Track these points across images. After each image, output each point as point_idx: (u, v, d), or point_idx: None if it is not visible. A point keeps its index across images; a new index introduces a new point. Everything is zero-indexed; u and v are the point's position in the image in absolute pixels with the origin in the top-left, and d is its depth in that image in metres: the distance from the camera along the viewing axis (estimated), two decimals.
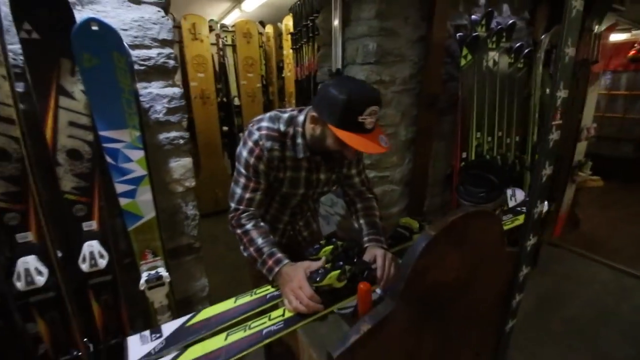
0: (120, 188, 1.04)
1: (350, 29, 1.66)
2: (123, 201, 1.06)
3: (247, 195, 0.99)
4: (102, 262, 1.03)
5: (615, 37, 3.98)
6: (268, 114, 1.00)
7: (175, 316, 1.24)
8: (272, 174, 1.03)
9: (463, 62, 1.70)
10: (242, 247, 1.01)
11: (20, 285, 0.92)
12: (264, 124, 0.97)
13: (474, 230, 0.79)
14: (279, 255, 0.96)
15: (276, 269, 0.94)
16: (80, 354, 1.07)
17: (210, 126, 3.28)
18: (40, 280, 0.94)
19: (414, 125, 1.79)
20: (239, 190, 1.00)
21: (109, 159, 1.00)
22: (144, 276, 1.10)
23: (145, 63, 1.07)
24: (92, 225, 1.03)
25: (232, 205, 1.01)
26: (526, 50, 1.93)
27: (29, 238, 0.94)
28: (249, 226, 0.99)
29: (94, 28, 0.87)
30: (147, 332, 0.86)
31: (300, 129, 0.99)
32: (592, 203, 3.55)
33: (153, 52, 1.07)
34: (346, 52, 1.72)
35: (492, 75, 1.86)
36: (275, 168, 1.01)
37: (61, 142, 0.95)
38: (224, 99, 3.48)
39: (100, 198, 1.03)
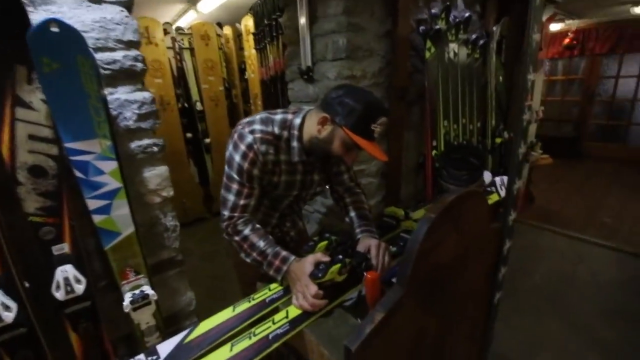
0: (92, 204, 0.95)
1: (318, 25, 1.66)
2: (97, 218, 0.97)
3: (242, 202, 0.96)
4: (80, 288, 0.93)
5: (552, 28, 4.38)
6: (259, 116, 0.97)
7: (163, 336, 1.17)
8: (266, 178, 1.00)
9: (428, 54, 1.77)
10: (243, 254, 0.98)
11: None
12: (257, 126, 0.94)
13: (467, 209, 0.82)
14: (284, 253, 0.94)
15: (284, 268, 0.92)
16: None
17: (173, 134, 3.12)
18: (9, 317, 0.83)
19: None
20: (232, 197, 0.96)
21: (78, 173, 0.91)
22: (128, 297, 1.01)
23: (110, 67, 0.99)
24: (64, 248, 0.94)
25: (226, 213, 0.97)
26: (481, 42, 2.06)
27: None
28: (246, 231, 0.96)
29: (54, 30, 0.79)
30: (141, 356, 0.79)
31: (296, 132, 0.97)
32: (543, 179, 3.89)
33: (118, 55, 0.99)
34: (315, 49, 1.72)
35: (453, 66, 1.96)
36: (269, 172, 0.99)
37: (21, 159, 0.85)
38: (185, 105, 3.34)
39: (70, 217, 0.94)
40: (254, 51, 3.08)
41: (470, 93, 2.11)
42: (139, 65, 1.03)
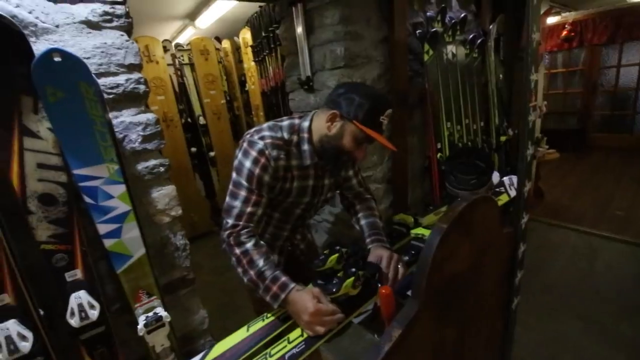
0: (103, 229, 0.96)
1: (315, 35, 1.67)
2: (108, 242, 0.97)
3: (249, 210, 0.92)
4: (94, 313, 0.93)
5: (549, 21, 4.37)
6: (266, 125, 0.98)
7: (178, 357, 1.16)
8: (278, 185, 0.99)
9: (426, 57, 1.77)
10: (240, 270, 0.90)
11: (1, 357, 0.81)
12: (266, 133, 0.94)
13: (478, 216, 0.81)
14: (284, 279, 0.89)
15: (282, 296, 0.86)
16: None
17: (177, 149, 3.14)
18: (25, 347, 0.83)
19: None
20: (238, 204, 0.92)
21: (87, 199, 0.92)
22: (142, 320, 1.01)
23: (114, 91, 1.00)
24: (77, 274, 0.94)
25: (230, 221, 0.92)
26: (479, 41, 2.05)
27: (5, 301, 0.83)
28: (249, 245, 0.90)
29: (57, 59, 0.80)
30: None
31: (306, 135, 0.98)
32: (551, 174, 3.84)
33: (121, 79, 1.00)
34: (314, 59, 1.72)
35: (453, 67, 1.95)
36: (280, 179, 0.98)
37: (31, 188, 0.86)
38: (189, 120, 3.37)
39: (82, 243, 0.94)
40: (253, 63, 3.11)
41: (472, 93, 2.10)
42: (142, 87, 1.04)
